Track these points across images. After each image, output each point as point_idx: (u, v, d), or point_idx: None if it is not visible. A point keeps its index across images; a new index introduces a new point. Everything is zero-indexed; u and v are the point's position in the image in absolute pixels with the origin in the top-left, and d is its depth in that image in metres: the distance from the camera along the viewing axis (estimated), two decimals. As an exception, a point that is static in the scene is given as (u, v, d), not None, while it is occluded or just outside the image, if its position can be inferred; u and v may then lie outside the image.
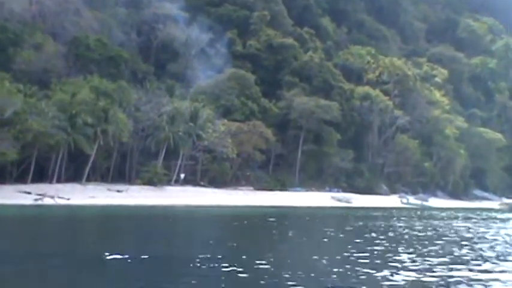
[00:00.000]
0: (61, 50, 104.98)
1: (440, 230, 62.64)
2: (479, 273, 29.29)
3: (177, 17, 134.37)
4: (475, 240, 51.21)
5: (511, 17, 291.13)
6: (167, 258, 33.07)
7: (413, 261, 33.48)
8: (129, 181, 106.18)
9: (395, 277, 27.57)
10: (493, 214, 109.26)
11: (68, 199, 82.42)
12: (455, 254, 39.23)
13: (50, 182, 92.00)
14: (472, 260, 35.54)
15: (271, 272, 29.11)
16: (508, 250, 42.12)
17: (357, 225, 64.50)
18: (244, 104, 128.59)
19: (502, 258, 36.69)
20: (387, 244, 44.37)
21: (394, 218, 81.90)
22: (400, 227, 64.34)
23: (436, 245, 45.57)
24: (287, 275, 27.63)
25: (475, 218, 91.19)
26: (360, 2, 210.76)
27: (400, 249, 41.17)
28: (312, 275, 28.96)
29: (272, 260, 33.47)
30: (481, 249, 43.43)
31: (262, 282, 26.24)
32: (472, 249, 43.14)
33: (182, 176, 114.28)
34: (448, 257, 36.67)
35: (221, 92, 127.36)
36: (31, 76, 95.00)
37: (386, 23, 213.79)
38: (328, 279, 27.61)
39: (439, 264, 32.72)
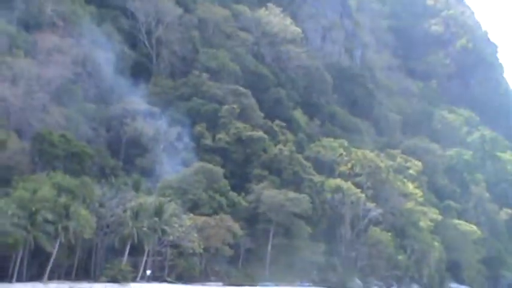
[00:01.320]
0: (25, 146, 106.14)
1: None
2: None
3: (145, 111, 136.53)
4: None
5: (487, 109, 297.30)
6: None
7: None
8: (94, 278, 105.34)
9: None
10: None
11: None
12: None
13: (10, 281, 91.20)
14: None
15: None
16: None
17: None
18: (212, 198, 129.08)
19: None
20: None
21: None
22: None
23: None
24: None
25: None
26: (333, 95, 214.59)
27: None
28: None
29: None
30: None
31: None
32: None
33: (148, 272, 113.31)
34: None
35: (188, 186, 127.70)
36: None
37: (360, 115, 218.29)
38: None
39: None
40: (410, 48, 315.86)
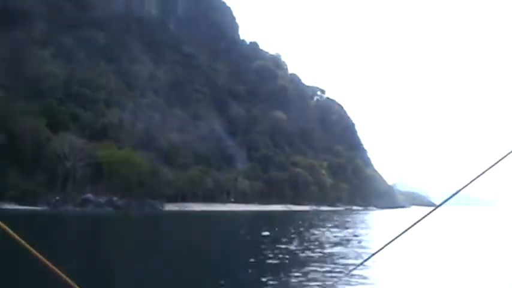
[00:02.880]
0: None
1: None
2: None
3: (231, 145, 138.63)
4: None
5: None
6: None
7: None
8: (214, 201, 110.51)
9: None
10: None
11: (186, 207, 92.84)
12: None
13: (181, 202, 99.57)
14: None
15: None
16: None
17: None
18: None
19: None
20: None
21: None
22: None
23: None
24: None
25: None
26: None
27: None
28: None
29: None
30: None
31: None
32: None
33: (232, 200, 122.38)
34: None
35: (246, 169, 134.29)
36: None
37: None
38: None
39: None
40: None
